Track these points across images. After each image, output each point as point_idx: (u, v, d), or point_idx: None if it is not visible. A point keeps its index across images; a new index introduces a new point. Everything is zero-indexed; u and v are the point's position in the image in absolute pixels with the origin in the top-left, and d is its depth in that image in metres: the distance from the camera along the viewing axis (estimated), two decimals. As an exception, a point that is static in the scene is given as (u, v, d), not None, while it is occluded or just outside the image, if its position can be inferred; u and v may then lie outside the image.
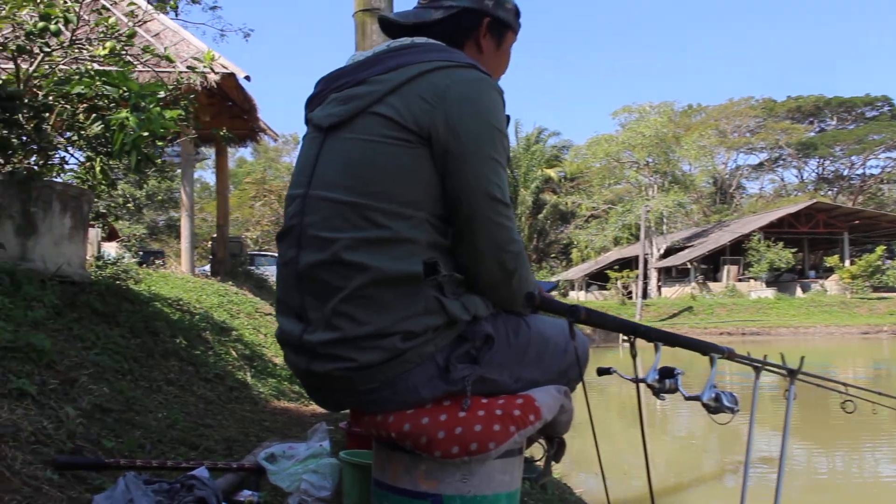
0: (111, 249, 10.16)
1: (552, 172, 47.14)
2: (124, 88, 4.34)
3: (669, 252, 39.34)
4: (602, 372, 2.21)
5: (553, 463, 2.06)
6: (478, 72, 1.82)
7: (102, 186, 5.78)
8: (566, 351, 1.99)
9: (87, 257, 6.63)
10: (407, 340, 1.70)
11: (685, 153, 41.11)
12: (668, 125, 40.61)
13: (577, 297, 39.29)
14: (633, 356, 1.83)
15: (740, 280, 35.72)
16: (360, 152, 1.75)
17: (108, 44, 5.10)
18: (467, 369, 1.75)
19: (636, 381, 1.93)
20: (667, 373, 1.85)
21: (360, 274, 1.70)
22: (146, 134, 4.19)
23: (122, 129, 4.21)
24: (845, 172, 60.36)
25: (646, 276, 37.54)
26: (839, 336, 28.12)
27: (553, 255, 50.84)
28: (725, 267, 36.77)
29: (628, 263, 41.18)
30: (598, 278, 39.51)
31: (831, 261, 35.62)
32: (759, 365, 2.28)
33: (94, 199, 6.01)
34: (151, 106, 4.33)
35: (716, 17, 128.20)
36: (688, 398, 1.82)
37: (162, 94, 4.89)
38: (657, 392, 1.86)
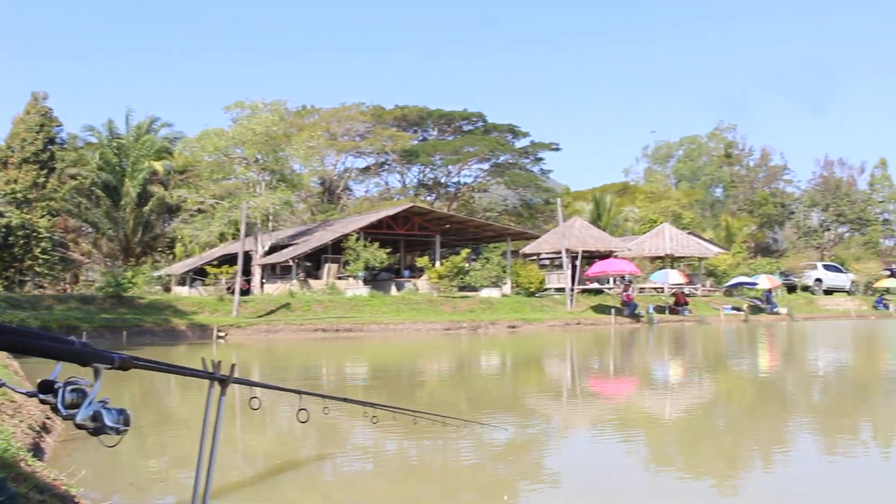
0: None
1: (158, 165, 45.60)
2: None
3: (274, 249, 39.70)
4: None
5: None
6: None
7: None
8: None
9: None
10: None
11: (295, 152, 41.64)
12: (280, 124, 40.87)
13: (180, 291, 38.30)
14: None
15: (340, 278, 37.00)
16: None
17: None
18: None
19: (27, 394, 1.73)
20: (47, 387, 1.62)
21: None
22: None
23: None
24: (443, 180, 65.16)
25: (249, 273, 37.59)
26: (424, 332, 30.16)
27: (160, 249, 49.16)
28: (326, 265, 37.91)
29: (233, 259, 40.98)
30: (203, 274, 38.86)
31: (422, 261, 38.15)
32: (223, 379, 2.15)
33: None
34: None
35: (330, 22, 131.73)
36: (65, 417, 1.59)
37: None
38: (55, 409, 1.60)
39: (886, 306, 46.30)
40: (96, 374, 1.60)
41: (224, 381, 2.16)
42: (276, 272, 38.94)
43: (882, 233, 77.44)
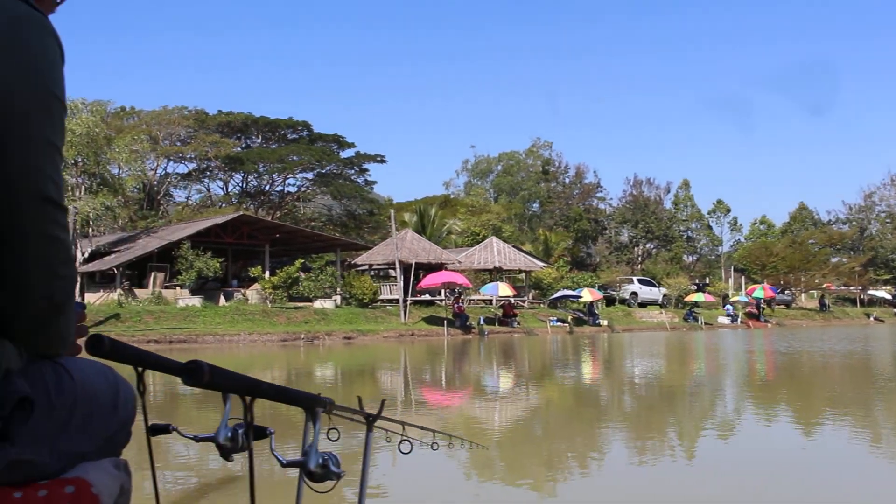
0: None
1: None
2: None
3: (95, 256, 37.85)
4: (158, 430, 1.73)
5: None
6: (26, 6, 1.27)
7: None
8: (115, 407, 1.51)
9: None
10: None
11: (116, 156, 39.97)
12: (101, 125, 39.09)
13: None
14: (142, 392, 1.56)
15: (167, 287, 35.76)
16: None
17: None
18: None
19: (198, 439, 1.64)
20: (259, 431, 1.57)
21: None
22: None
23: None
24: (266, 188, 64.06)
25: (69, 281, 35.55)
26: (261, 343, 29.65)
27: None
28: (153, 274, 36.52)
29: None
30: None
31: (255, 271, 37.49)
32: (370, 418, 1.88)
33: None
34: None
35: (151, 20, 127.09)
36: (287, 464, 1.48)
37: None
38: (227, 452, 1.54)
39: (696, 318, 49.54)
40: (314, 417, 1.56)
41: (371, 419, 1.89)
42: (96, 280, 37.17)
43: (685, 249, 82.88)
